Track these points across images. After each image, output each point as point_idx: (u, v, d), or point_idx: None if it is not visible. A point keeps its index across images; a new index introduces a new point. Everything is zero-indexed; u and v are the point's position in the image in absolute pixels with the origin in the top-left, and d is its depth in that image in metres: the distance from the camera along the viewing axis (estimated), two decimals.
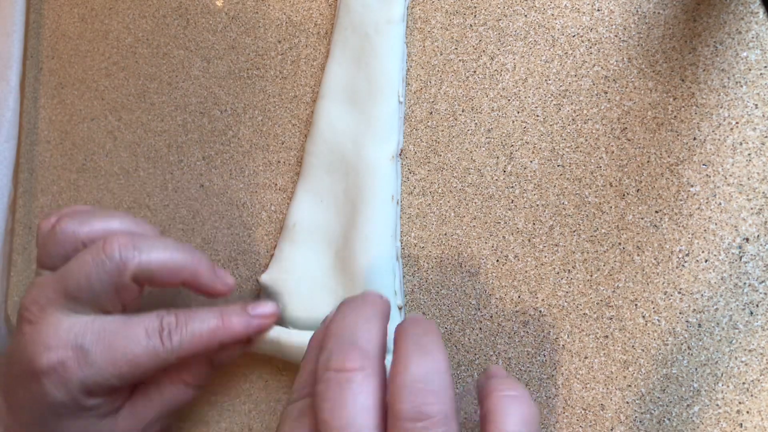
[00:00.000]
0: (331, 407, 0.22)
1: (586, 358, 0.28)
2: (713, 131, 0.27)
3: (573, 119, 0.29)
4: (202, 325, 0.29)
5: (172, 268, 0.29)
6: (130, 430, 0.30)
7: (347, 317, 0.25)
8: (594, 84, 0.29)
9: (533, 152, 0.30)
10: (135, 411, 0.30)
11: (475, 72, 0.31)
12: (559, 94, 0.29)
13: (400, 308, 0.31)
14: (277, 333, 0.31)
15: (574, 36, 0.29)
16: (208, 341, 0.29)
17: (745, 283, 0.26)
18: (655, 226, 0.27)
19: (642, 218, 0.28)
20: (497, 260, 0.30)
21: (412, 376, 0.22)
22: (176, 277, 0.30)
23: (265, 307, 0.31)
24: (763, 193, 0.26)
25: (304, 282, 0.33)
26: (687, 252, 0.27)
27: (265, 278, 0.34)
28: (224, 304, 0.31)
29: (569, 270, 0.29)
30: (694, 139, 0.27)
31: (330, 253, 0.32)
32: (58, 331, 0.28)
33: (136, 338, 0.28)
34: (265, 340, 0.31)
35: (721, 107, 0.26)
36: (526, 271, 0.30)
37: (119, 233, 0.29)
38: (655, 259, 0.27)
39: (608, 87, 0.28)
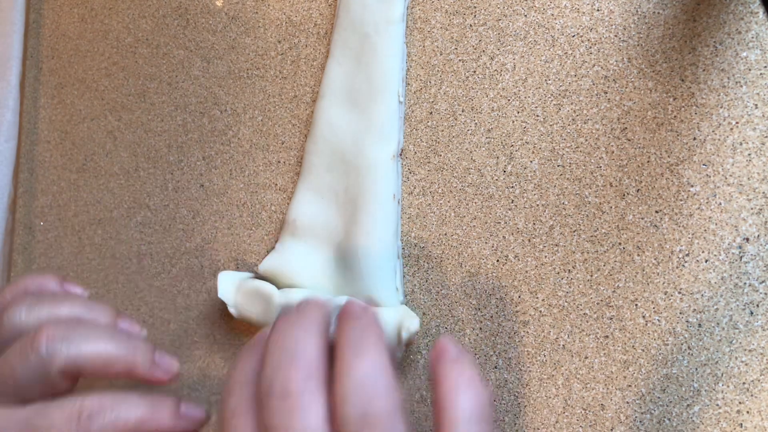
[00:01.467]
0: None
1: (586, 358, 0.28)
2: (713, 131, 0.27)
3: (573, 119, 0.29)
4: (129, 413, 0.27)
5: (103, 362, 0.28)
6: None
7: (285, 332, 0.25)
8: (594, 84, 0.29)
9: (533, 152, 0.30)
10: None
11: (475, 72, 0.31)
12: (559, 94, 0.29)
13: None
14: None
15: (574, 36, 0.29)
16: (134, 430, 0.27)
17: (745, 283, 0.26)
18: (655, 226, 0.27)
19: (642, 218, 0.28)
20: (497, 260, 0.30)
21: (353, 379, 0.22)
22: (109, 370, 0.28)
23: (197, 411, 0.29)
24: (764, 193, 0.26)
25: (304, 273, 0.33)
26: (687, 252, 0.27)
27: (265, 266, 0.34)
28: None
29: (569, 270, 0.29)
30: (694, 139, 0.27)
31: (330, 249, 0.32)
32: None
33: (55, 425, 0.26)
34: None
35: (721, 107, 0.26)
36: (526, 271, 0.30)
37: (53, 322, 0.28)
38: (655, 259, 0.27)
39: (608, 87, 0.28)
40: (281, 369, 0.23)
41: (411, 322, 0.30)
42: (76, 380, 0.29)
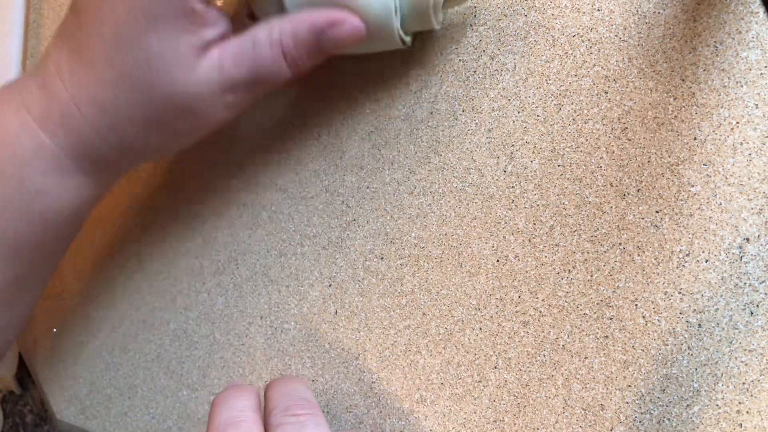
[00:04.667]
0: None
1: (586, 358, 0.28)
2: (714, 131, 0.27)
3: (573, 119, 0.29)
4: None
5: None
6: (208, 81, 0.28)
7: (284, 383, 0.30)
8: (594, 84, 0.29)
9: (533, 152, 0.30)
10: (222, 59, 0.28)
11: (475, 72, 0.31)
12: (560, 94, 0.29)
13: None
14: None
15: (574, 36, 0.29)
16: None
17: (745, 283, 0.26)
18: (656, 226, 0.27)
19: (642, 218, 0.28)
20: (497, 260, 0.30)
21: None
22: None
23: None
24: (764, 193, 0.26)
25: None
26: (687, 252, 0.27)
27: None
28: None
29: (569, 270, 0.29)
30: (695, 139, 0.27)
31: None
32: None
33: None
34: None
35: (722, 107, 0.26)
36: (526, 271, 0.30)
37: None
38: (655, 259, 0.27)
39: (608, 87, 0.28)
40: (293, 400, 0.28)
41: None
42: None
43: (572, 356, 0.28)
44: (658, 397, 0.27)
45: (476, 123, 0.31)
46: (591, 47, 0.29)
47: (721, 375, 0.26)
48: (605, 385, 0.28)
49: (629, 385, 0.27)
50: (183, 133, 0.29)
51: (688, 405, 0.26)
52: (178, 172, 0.38)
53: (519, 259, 0.30)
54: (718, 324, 0.26)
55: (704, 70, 0.27)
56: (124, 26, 0.26)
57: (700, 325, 0.26)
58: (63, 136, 0.28)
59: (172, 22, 0.26)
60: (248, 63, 0.28)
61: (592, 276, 0.28)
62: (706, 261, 0.26)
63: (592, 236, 0.28)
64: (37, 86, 0.28)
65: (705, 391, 0.26)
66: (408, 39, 0.30)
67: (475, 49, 0.31)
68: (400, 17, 0.29)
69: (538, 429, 0.29)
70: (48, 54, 0.29)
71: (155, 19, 0.26)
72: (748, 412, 0.25)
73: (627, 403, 0.27)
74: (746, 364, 0.26)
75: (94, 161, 0.29)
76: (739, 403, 0.26)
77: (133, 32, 0.26)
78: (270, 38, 0.28)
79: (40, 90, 0.28)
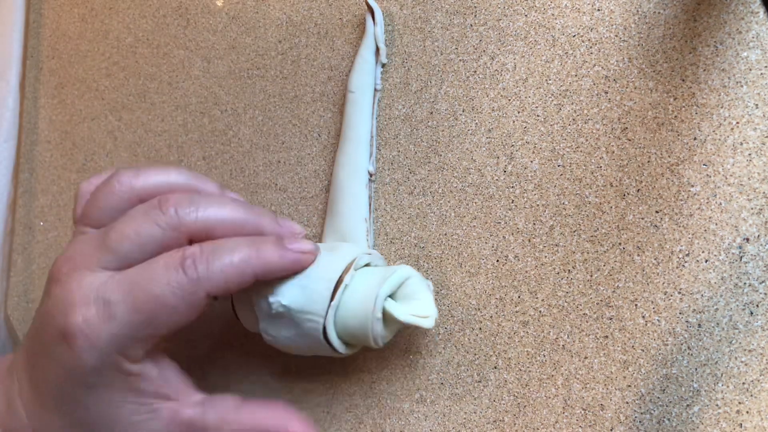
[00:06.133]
0: None
1: (586, 358, 0.28)
2: (714, 131, 0.27)
3: (573, 119, 0.29)
4: (232, 255, 0.26)
5: (232, 225, 0.27)
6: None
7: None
8: (594, 84, 0.29)
9: (533, 152, 0.30)
10: (170, 428, 0.28)
11: (475, 72, 0.31)
12: (560, 94, 0.29)
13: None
14: None
15: (574, 36, 0.29)
16: (240, 272, 0.26)
17: (745, 283, 0.26)
18: (656, 226, 0.27)
19: (642, 218, 0.28)
20: (497, 260, 0.30)
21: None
22: (238, 234, 0.28)
23: (303, 244, 0.28)
24: (764, 193, 0.26)
25: None
26: (687, 252, 0.27)
27: None
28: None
29: (569, 270, 0.29)
30: (695, 139, 0.27)
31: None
32: (82, 288, 0.26)
33: (156, 276, 0.25)
34: None
35: (722, 107, 0.26)
36: (526, 271, 0.30)
37: (177, 188, 0.28)
38: (655, 259, 0.27)
39: (609, 87, 0.28)
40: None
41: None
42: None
43: (572, 356, 0.28)
44: (658, 397, 0.27)
45: (476, 123, 0.31)
46: (591, 47, 0.29)
47: (721, 375, 0.26)
48: (605, 385, 0.28)
49: (629, 385, 0.27)
50: None
51: (688, 405, 0.26)
52: None
53: (519, 259, 0.30)
54: (718, 324, 0.26)
55: (704, 70, 0.27)
56: (66, 384, 0.26)
57: (700, 325, 0.26)
58: None
59: (111, 383, 0.26)
60: None
61: (592, 276, 0.28)
62: (706, 261, 0.26)
63: (592, 236, 0.28)
64: (4, 396, 0.29)
65: (705, 391, 0.26)
66: (345, 350, 0.30)
67: (475, 49, 0.31)
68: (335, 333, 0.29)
69: (538, 429, 0.29)
70: (15, 361, 0.29)
71: (96, 379, 0.26)
72: (748, 412, 0.25)
73: (627, 403, 0.27)
74: (746, 364, 0.26)
75: None
76: (739, 403, 0.26)
77: (73, 392, 0.26)
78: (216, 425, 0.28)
79: (5, 402, 0.28)
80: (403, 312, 0.28)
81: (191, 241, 0.27)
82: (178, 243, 0.27)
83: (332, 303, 0.28)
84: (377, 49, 0.32)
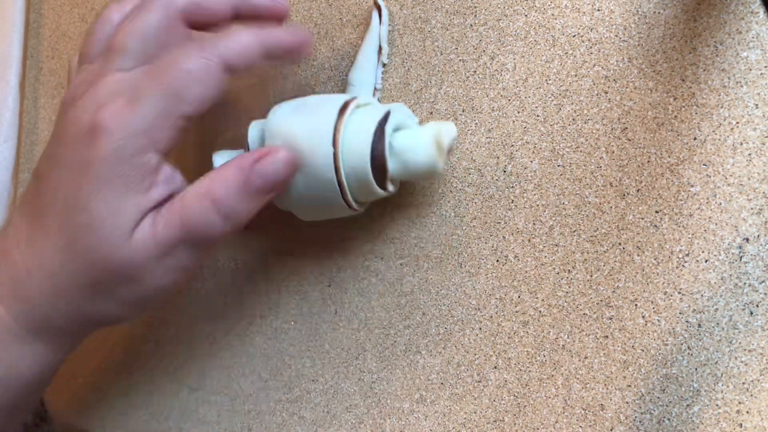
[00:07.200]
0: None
1: (586, 358, 0.28)
2: (713, 131, 0.27)
3: (573, 119, 0.29)
4: (241, 35, 0.28)
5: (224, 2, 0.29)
6: (143, 246, 0.27)
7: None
8: (594, 84, 0.29)
9: (533, 152, 0.30)
10: (155, 222, 0.27)
11: (475, 72, 0.31)
12: (560, 94, 0.29)
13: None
14: None
15: (574, 36, 0.29)
16: (255, 47, 0.28)
17: (745, 283, 0.26)
18: (655, 226, 0.27)
19: (642, 218, 0.28)
20: (497, 260, 0.30)
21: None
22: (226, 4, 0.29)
23: (303, 31, 0.30)
24: (764, 193, 0.26)
25: None
26: (687, 252, 0.27)
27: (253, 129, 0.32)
28: None
29: (569, 270, 0.29)
30: (695, 139, 0.27)
31: None
32: (107, 86, 0.27)
33: (180, 57, 0.26)
34: None
35: (722, 107, 0.26)
36: (526, 271, 0.30)
37: None
38: (655, 259, 0.27)
39: (608, 87, 0.28)
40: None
41: (448, 128, 0.29)
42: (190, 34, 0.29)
43: (572, 356, 0.28)
44: (658, 397, 0.27)
45: (476, 123, 0.31)
46: (591, 47, 0.29)
47: (721, 375, 0.26)
48: (605, 385, 0.28)
49: (629, 385, 0.27)
50: (129, 301, 0.28)
51: (688, 405, 0.26)
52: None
53: (518, 259, 0.30)
54: (717, 324, 0.26)
55: (704, 70, 0.27)
56: (74, 190, 0.26)
57: (699, 325, 0.26)
58: (16, 305, 0.28)
59: (122, 182, 0.26)
60: (178, 222, 0.27)
61: (591, 276, 0.28)
62: (706, 261, 0.26)
63: (591, 236, 0.28)
64: None
65: (705, 391, 0.26)
66: (357, 206, 0.30)
67: (475, 49, 0.31)
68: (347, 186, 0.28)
69: (538, 429, 0.29)
70: (12, 220, 0.29)
71: (104, 180, 0.26)
72: (748, 412, 0.25)
73: (627, 403, 0.27)
74: (746, 364, 0.26)
75: (48, 329, 0.29)
76: (739, 403, 0.26)
77: (81, 196, 0.26)
78: (197, 192, 0.27)
79: None
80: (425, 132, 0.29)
81: (191, 25, 0.28)
82: (178, 25, 0.28)
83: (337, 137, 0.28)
84: (380, 48, 0.32)
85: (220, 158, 0.30)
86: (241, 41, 0.27)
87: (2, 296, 0.28)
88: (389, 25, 0.33)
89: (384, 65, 0.33)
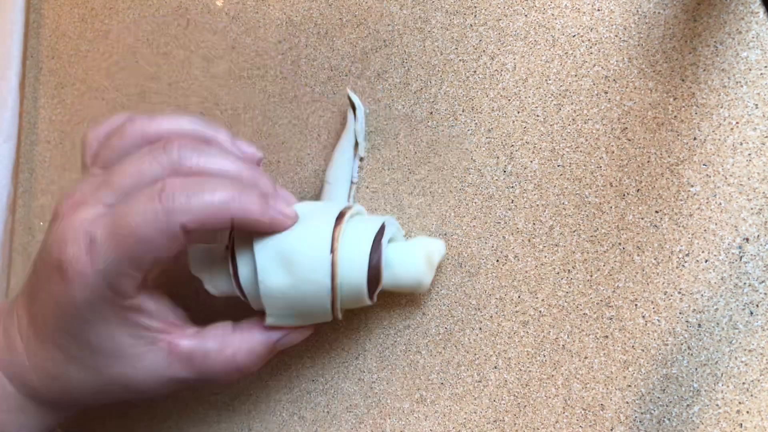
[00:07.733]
0: None
1: (586, 358, 0.28)
2: (713, 131, 0.27)
3: (573, 119, 0.29)
4: (214, 193, 0.26)
5: (229, 177, 0.27)
6: (154, 373, 0.28)
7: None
8: (594, 84, 0.29)
9: (533, 152, 0.30)
10: (171, 358, 0.29)
11: (475, 72, 0.31)
12: (560, 94, 0.29)
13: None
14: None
15: (574, 36, 0.29)
16: (218, 211, 0.26)
17: (745, 283, 0.26)
18: (655, 226, 0.27)
19: (642, 218, 0.28)
20: (497, 260, 0.30)
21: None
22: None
23: (286, 208, 0.28)
24: (763, 193, 0.26)
25: None
26: (687, 252, 0.27)
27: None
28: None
29: (569, 270, 0.29)
30: (695, 139, 0.27)
31: None
32: (75, 223, 0.26)
33: (135, 207, 0.25)
34: None
35: (722, 107, 0.26)
36: (526, 271, 0.30)
37: (187, 135, 0.28)
38: (655, 259, 0.27)
39: (608, 87, 0.28)
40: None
41: (438, 246, 0.30)
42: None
43: (572, 356, 0.28)
44: (658, 397, 0.27)
45: (476, 123, 0.31)
46: (591, 47, 0.29)
47: (721, 375, 0.26)
48: (605, 385, 0.28)
49: (629, 385, 0.27)
50: (134, 399, 0.30)
51: (688, 405, 0.26)
52: None
53: (519, 259, 0.30)
54: (717, 324, 0.26)
55: (704, 70, 0.27)
56: (65, 317, 0.27)
57: (699, 325, 0.26)
58: (22, 387, 0.29)
59: (106, 316, 0.27)
60: (197, 369, 0.29)
61: (591, 276, 0.28)
62: (706, 261, 0.26)
63: (591, 236, 0.28)
64: (3, 334, 0.29)
65: (705, 391, 0.26)
66: (339, 314, 0.29)
67: (475, 49, 0.31)
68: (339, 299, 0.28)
69: (538, 429, 0.29)
70: (17, 301, 0.30)
71: (90, 314, 0.26)
72: (748, 412, 0.25)
73: (627, 403, 0.27)
74: (746, 364, 0.26)
75: (53, 406, 0.30)
76: (739, 403, 0.26)
77: (72, 325, 0.27)
78: (223, 354, 0.29)
79: (4, 339, 0.29)
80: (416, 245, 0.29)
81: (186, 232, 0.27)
82: (172, 234, 0.26)
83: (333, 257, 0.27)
84: (356, 143, 0.33)
85: (194, 255, 0.30)
86: (213, 202, 0.25)
87: (13, 377, 0.29)
88: (388, 24, 0.33)
89: (361, 159, 0.33)
